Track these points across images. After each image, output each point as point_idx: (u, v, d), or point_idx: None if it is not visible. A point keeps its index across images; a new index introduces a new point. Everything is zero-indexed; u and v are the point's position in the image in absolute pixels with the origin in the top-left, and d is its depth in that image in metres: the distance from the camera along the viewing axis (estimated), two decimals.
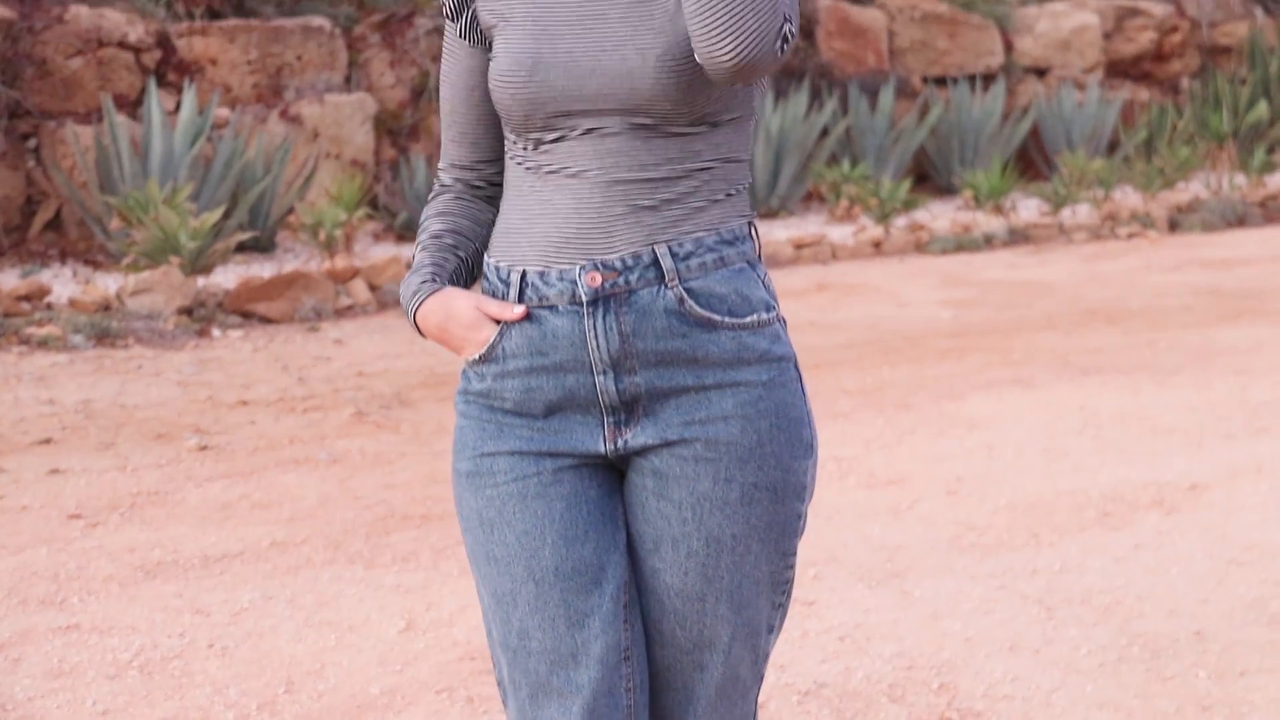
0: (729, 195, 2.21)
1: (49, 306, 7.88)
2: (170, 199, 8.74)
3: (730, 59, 2.04)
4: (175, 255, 8.44)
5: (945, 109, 13.72)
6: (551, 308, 2.16)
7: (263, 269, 9.39)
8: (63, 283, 8.95)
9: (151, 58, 10.09)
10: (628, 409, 2.17)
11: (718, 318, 2.15)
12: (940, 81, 14.28)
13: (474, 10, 2.24)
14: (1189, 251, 10.66)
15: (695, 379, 2.16)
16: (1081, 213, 12.07)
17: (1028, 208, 12.57)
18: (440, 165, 2.36)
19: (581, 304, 2.15)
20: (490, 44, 2.24)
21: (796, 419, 2.19)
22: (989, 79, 14.44)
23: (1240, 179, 13.17)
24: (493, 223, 2.29)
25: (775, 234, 11.53)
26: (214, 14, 10.66)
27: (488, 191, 2.33)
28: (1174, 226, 11.65)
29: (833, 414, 6.30)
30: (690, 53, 2.12)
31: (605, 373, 2.15)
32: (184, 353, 7.52)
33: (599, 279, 2.14)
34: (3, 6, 9.52)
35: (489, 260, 2.23)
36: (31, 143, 9.72)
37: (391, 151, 11.26)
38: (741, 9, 2.04)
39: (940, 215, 12.31)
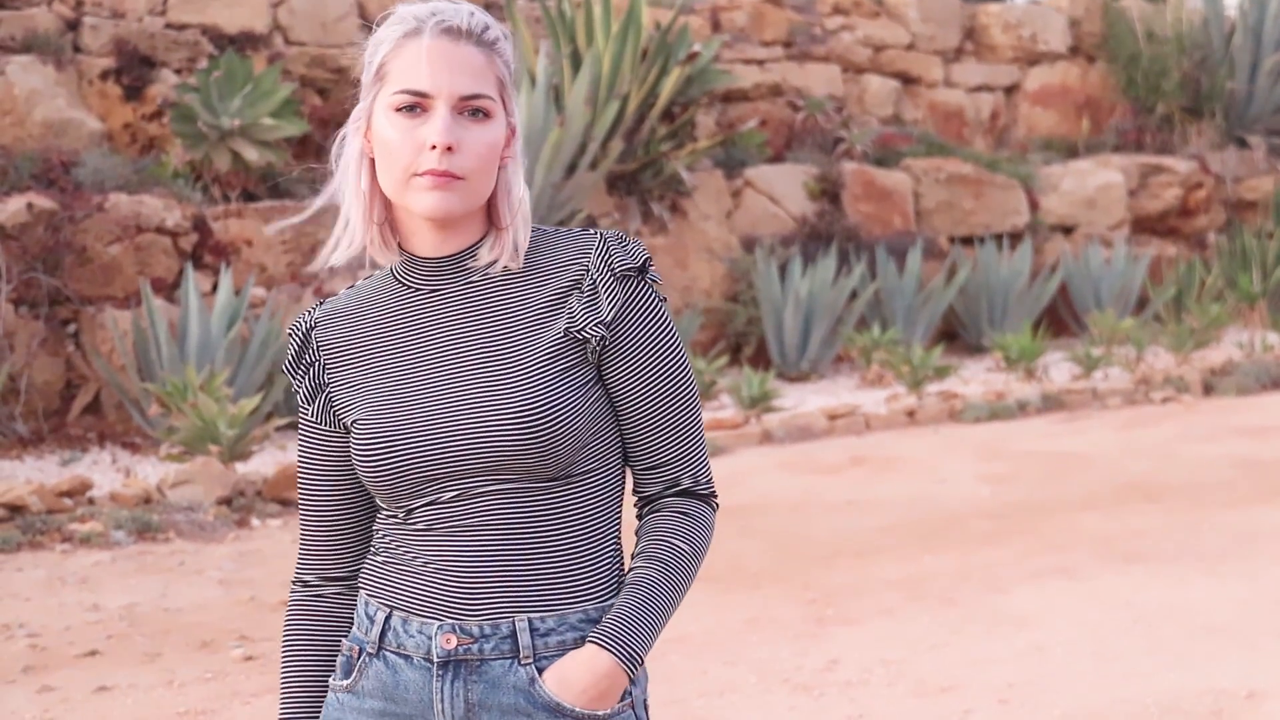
0: (596, 562, 2.16)
1: (90, 501, 7.90)
2: (208, 384, 8.80)
3: None
4: (214, 444, 8.48)
5: (973, 269, 13.80)
6: (407, 658, 2.14)
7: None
8: (102, 470, 8.98)
9: (188, 241, 10.22)
10: None
11: (566, 706, 2.10)
12: (967, 241, 14.38)
13: (328, 393, 2.22)
14: (1225, 418, 10.62)
15: None
16: (1114, 375, 12.06)
17: (1059, 370, 12.56)
18: (306, 566, 2.29)
19: (433, 662, 2.12)
20: (347, 426, 2.20)
21: None
22: (1015, 238, 14.53)
23: (1272, 338, 13.17)
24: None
25: (807, 401, 11.56)
26: (249, 196, 10.80)
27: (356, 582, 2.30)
28: (1208, 390, 11.63)
29: (878, 609, 6.26)
30: (548, 408, 2.09)
31: None
32: (224, 545, 7.52)
33: (454, 641, 2.11)
34: (45, 198, 9.66)
35: (364, 594, 2.22)
36: (71, 328, 9.81)
37: None
38: None
39: (971, 378, 12.32)
